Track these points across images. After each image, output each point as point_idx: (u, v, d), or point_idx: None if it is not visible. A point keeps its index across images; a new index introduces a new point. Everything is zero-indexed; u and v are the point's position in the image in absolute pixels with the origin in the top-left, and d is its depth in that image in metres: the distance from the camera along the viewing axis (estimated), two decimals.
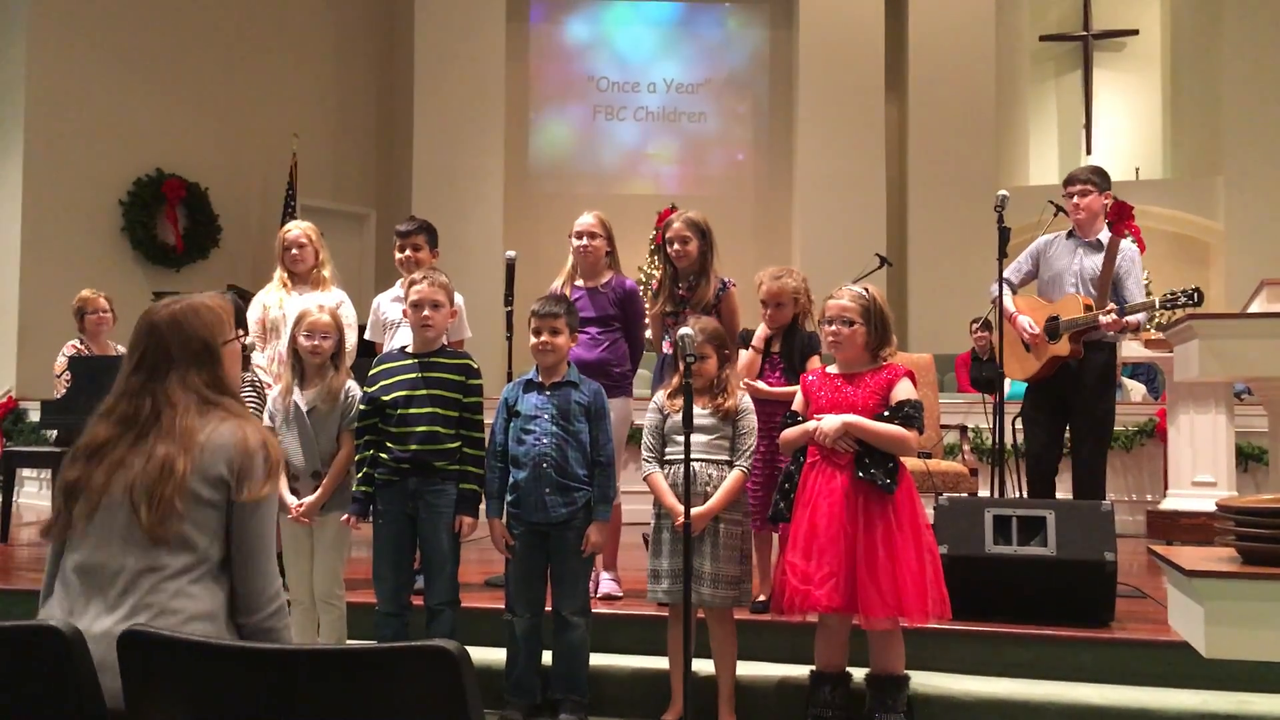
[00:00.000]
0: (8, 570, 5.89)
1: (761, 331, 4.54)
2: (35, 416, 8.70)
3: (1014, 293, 5.54)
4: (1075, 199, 5.34)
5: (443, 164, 11.72)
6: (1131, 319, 5.15)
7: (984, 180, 11.15)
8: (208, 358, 2.35)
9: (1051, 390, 5.29)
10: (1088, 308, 5.16)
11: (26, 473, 8.77)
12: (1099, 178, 5.41)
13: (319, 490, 4.03)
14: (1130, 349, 7.04)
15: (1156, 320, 9.39)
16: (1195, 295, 5.10)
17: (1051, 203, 6.03)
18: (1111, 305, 5.13)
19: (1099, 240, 5.37)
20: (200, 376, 2.31)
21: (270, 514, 2.31)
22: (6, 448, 8.24)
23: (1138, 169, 12.39)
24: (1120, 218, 11.12)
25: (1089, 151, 12.63)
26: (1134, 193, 11.59)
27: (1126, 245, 5.42)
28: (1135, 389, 8.84)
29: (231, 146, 11.25)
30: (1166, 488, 6.61)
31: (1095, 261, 5.31)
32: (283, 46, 11.77)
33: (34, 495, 8.79)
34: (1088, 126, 12.71)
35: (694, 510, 3.59)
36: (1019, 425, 5.76)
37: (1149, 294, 9.48)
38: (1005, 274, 5.45)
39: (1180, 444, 6.29)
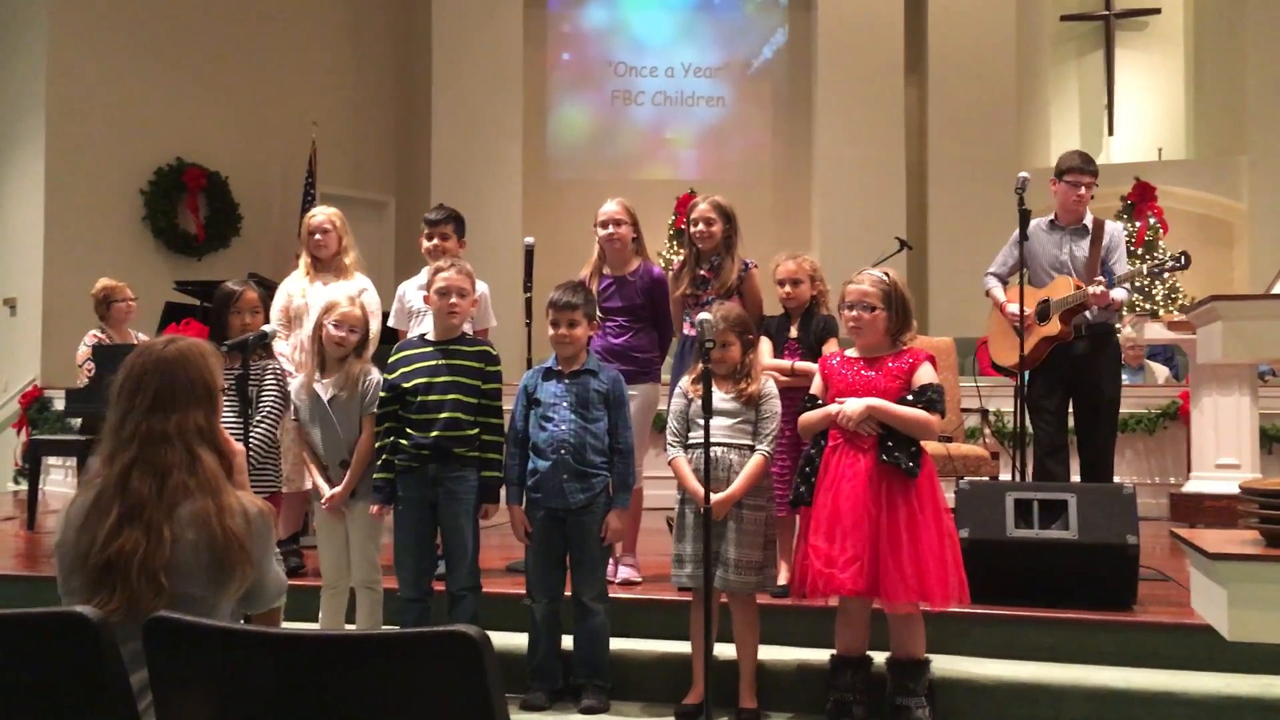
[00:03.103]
0: (35, 557, 5.96)
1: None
2: (60, 405, 8.77)
3: (1004, 284, 5.58)
4: (1082, 189, 5.33)
5: (461, 150, 11.72)
6: (1117, 296, 5.15)
7: (1005, 162, 11.07)
8: (208, 402, 2.32)
9: (1055, 376, 5.29)
10: (1078, 289, 5.17)
11: (52, 460, 8.85)
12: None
13: (344, 482, 4.06)
14: (1153, 331, 6.99)
15: (1140, 285, 9.31)
16: (1183, 259, 5.11)
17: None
18: (1100, 278, 5.14)
19: (1085, 225, 5.38)
20: (197, 420, 2.27)
21: (269, 567, 2.32)
22: (33, 436, 8.32)
23: (1160, 149, 12.27)
24: (1143, 199, 11.08)
25: (1111, 132, 12.52)
26: (1157, 173, 11.51)
27: (1112, 225, 5.45)
28: (1159, 371, 8.78)
29: (251, 135, 11.28)
30: (1190, 470, 6.58)
31: (1084, 247, 5.33)
32: (301, 34, 11.79)
33: (60, 483, 8.87)
34: (1110, 107, 12.58)
35: (715, 496, 3.60)
36: None
37: (1170, 278, 9.41)
38: (994, 266, 5.53)
39: (1203, 426, 6.26)
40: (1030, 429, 5.40)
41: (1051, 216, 5.47)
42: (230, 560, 2.19)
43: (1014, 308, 5.29)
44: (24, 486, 7.61)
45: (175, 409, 2.25)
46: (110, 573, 2.14)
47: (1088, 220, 5.41)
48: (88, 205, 10.24)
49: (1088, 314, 5.22)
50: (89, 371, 6.45)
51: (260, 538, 2.27)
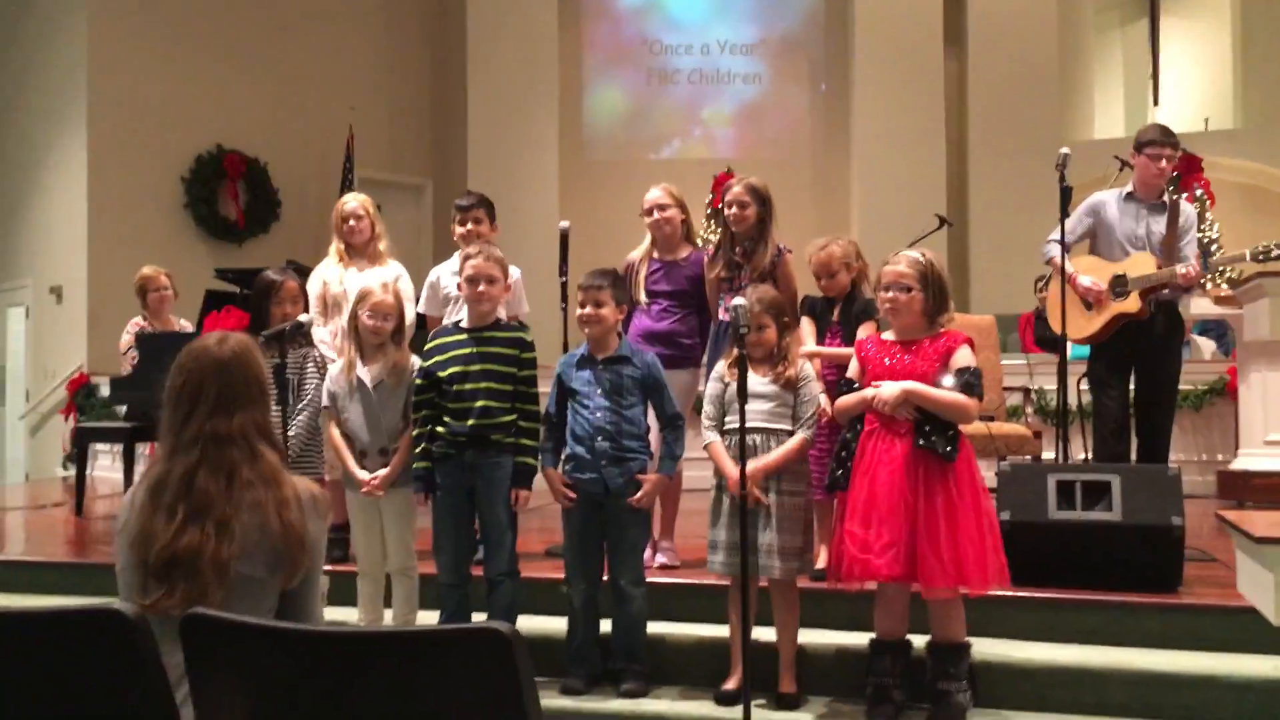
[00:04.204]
0: (85, 544, 6.06)
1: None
2: (106, 392, 8.90)
3: (1068, 253, 5.45)
4: (1163, 163, 5.22)
5: (497, 133, 11.72)
6: (1197, 273, 5.06)
7: (1047, 136, 10.89)
8: (263, 398, 2.39)
9: (1121, 351, 5.20)
10: (1161, 268, 5.07)
11: (100, 446, 8.99)
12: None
13: (391, 465, 4.08)
14: (1200, 306, 6.87)
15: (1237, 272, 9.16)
16: None
17: (1118, 158, 5.90)
18: (1195, 260, 5.05)
19: (1163, 202, 5.28)
20: (256, 417, 2.34)
21: (319, 572, 2.36)
22: (79, 423, 8.44)
23: (1207, 119, 12.05)
24: (1189, 170, 10.86)
25: (1156, 102, 12.31)
26: (1203, 144, 11.28)
27: (1187, 206, 5.37)
28: (1205, 346, 8.64)
29: (289, 121, 11.35)
30: (1238, 447, 6.48)
31: (1161, 225, 5.22)
32: (337, 20, 11.82)
33: (107, 468, 9.00)
34: (1155, 77, 12.35)
35: (752, 463, 3.58)
36: (1083, 386, 5.67)
37: (1218, 249, 9.25)
38: (1057, 234, 5.36)
39: (1252, 402, 6.16)
40: (1087, 406, 5.31)
41: (1129, 189, 5.35)
42: (289, 551, 2.26)
43: (1086, 280, 5.18)
44: (74, 472, 7.73)
45: (237, 409, 2.32)
46: (173, 569, 2.19)
47: (1165, 198, 5.32)
48: (130, 193, 10.36)
49: (1164, 292, 5.13)
50: (132, 359, 6.52)
51: (314, 522, 2.32)
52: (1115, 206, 5.33)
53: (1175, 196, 5.49)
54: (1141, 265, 5.14)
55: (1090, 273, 5.24)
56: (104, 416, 8.65)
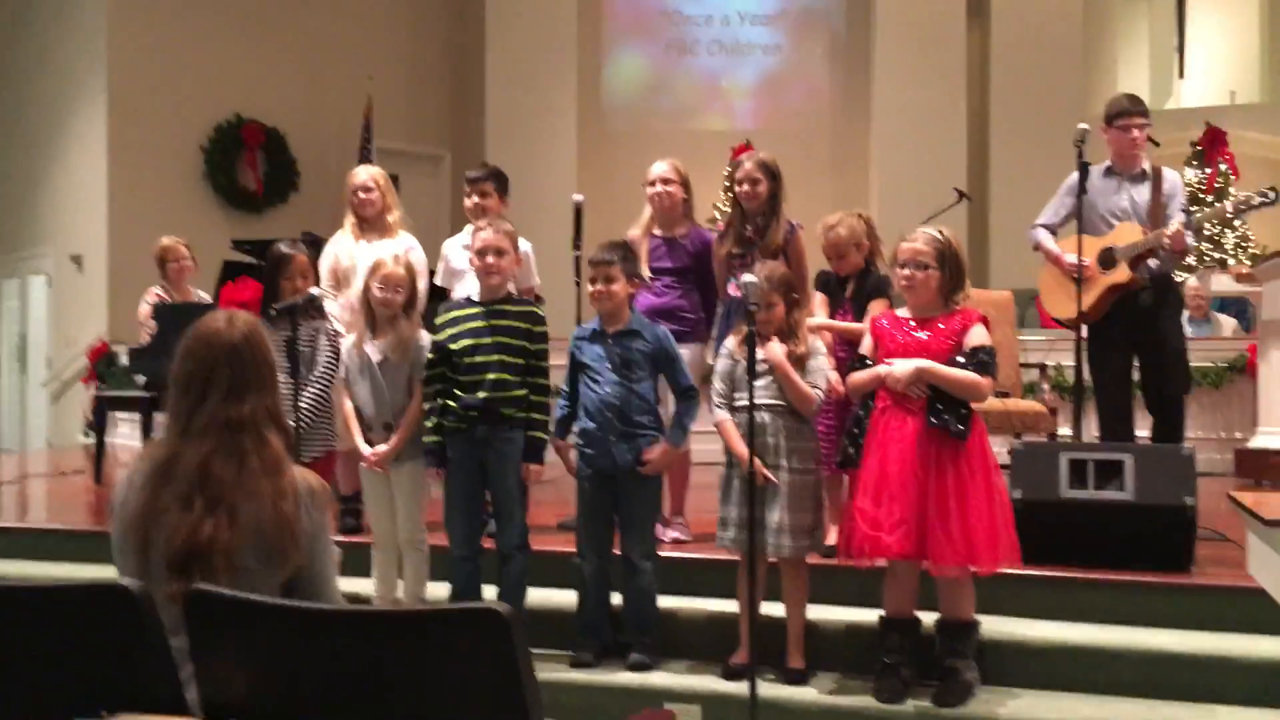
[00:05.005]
0: (103, 512, 6.11)
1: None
2: (126, 360, 8.96)
3: (1054, 235, 5.40)
4: (1135, 132, 5.15)
5: (516, 103, 11.67)
6: (1190, 241, 4.99)
7: (1070, 108, 10.74)
8: (273, 382, 2.33)
9: (1117, 330, 5.14)
10: (1146, 234, 5.01)
11: (120, 414, 9.05)
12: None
13: (393, 441, 4.09)
14: (1220, 282, 6.82)
15: (1212, 232, 9.00)
16: (1271, 194, 4.91)
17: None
18: (1179, 219, 4.97)
19: (1144, 171, 5.21)
20: (267, 403, 2.28)
21: (327, 560, 2.30)
22: (98, 393, 8.51)
23: (1233, 93, 11.88)
24: (1214, 145, 10.74)
25: (1181, 75, 12.14)
26: (1229, 118, 11.14)
27: (1170, 172, 5.27)
28: (1226, 323, 8.57)
29: (308, 91, 11.33)
30: (1257, 425, 6.44)
31: (1144, 194, 5.14)
32: None
33: (128, 436, 9.07)
34: (1180, 49, 12.19)
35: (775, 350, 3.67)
36: None
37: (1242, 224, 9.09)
38: (1044, 218, 5.34)
39: (1271, 381, 6.10)
40: (1091, 387, 5.26)
41: (1107, 164, 5.30)
42: (280, 542, 2.18)
43: (1073, 258, 5.11)
44: (94, 439, 7.80)
45: (249, 394, 2.25)
46: (192, 561, 2.11)
47: (1145, 166, 5.24)
48: (150, 162, 10.39)
49: (1151, 263, 5.05)
50: (151, 329, 6.56)
51: (308, 517, 2.24)
52: (1095, 182, 5.26)
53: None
54: (1128, 235, 5.06)
55: (1074, 250, 5.17)
56: (125, 385, 8.69)
